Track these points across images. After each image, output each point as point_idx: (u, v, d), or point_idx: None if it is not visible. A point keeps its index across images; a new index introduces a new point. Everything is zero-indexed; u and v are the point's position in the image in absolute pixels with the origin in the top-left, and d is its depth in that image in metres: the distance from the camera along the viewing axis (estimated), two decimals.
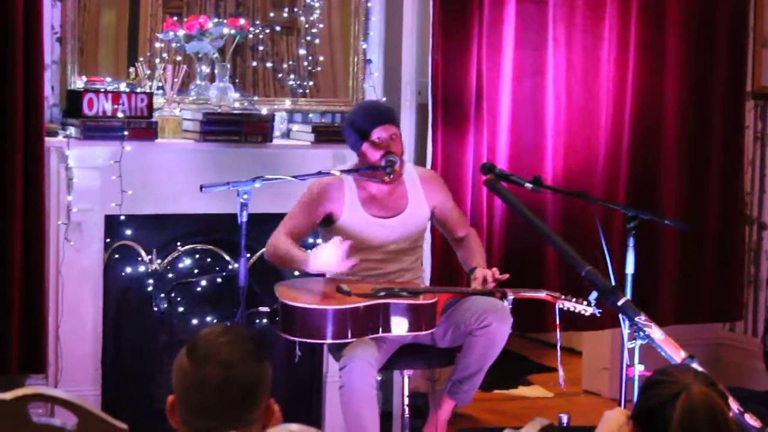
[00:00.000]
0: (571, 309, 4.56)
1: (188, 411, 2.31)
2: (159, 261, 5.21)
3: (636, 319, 4.10)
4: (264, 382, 2.34)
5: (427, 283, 5.09)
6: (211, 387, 2.27)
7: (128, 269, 5.19)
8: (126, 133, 4.93)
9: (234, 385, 2.28)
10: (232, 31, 5.31)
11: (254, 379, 2.31)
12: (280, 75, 5.57)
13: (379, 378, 4.92)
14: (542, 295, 4.68)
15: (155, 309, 5.23)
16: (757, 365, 5.99)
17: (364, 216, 4.67)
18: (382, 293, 4.46)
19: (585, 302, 4.47)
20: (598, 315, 4.52)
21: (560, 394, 6.07)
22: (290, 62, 5.59)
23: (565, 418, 4.42)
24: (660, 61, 5.85)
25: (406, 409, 4.77)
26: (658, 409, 2.50)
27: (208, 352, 2.30)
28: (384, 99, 5.53)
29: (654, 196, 5.87)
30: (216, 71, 5.31)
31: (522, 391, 6.42)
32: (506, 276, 4.57)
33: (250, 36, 5.46)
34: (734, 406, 3.70)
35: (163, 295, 5.24)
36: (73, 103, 5.00)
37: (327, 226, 4.70)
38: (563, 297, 4.59)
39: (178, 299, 5.31)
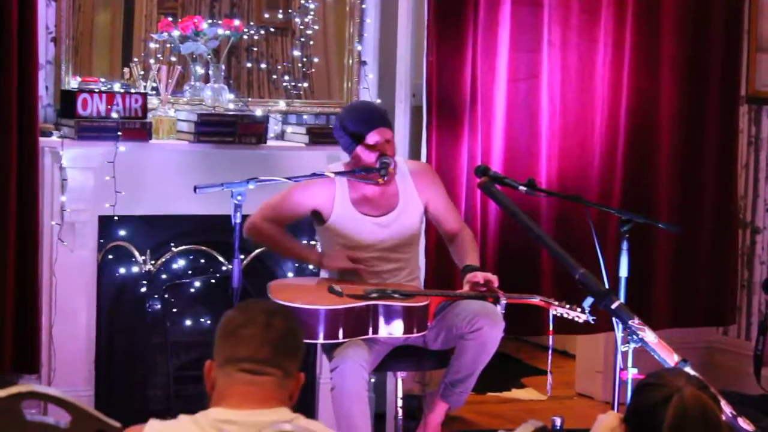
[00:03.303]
0: (565, 315, 4.54)
1: (234, 344, 2.58)
2: (152, 262, 5.21)
3: (629, 322, 4.10)
4: (300, 341, 2.68)
5: (423, 282, 5.08)
6: (257, 324, 2.59)
7: (122, 270, 5.19)
8: (120, 133, 4.93)
9: (276, 327, 2.60)
10: (227, 32, 5.31)
11: (293, 330, 2.65)
12: (274, 76, 5.57)
13: (372, 380, 4.92)
14: (536, 300, 4.65)
15: (149, 310, 5.23)
16: (749, 369, 5.99)
17: (356, 215, 4.66)
18: (374, 295, 4.45)
19: (579, 308, 4.46)
20: (592, 322, 4.50)
21: (553, 397, 6.07)
22: (285, 63, 5.59)
23: (558, 421, 4.40)
24: (655, 65, 5.84)
25: (399, 410, 4.76)
26: (651, 412, 2.50)
27: (254, 304, 2.74)
28: (378, 101, 5.53)
29: (648, 199, 5.86)
30: (210, 72, 5.32)
31: (515, 393, 6.41)
32: (496, 284, 4.58)
33: (245, 37, 5.46)
34: (727, 409, 3.70)
35: (156, 295, 5.24)
36: (67, 103, 5.00)
37: (319, 225, 4.70)
38: (557, 303, 4.57)
39: (172, 300, 5.31)
